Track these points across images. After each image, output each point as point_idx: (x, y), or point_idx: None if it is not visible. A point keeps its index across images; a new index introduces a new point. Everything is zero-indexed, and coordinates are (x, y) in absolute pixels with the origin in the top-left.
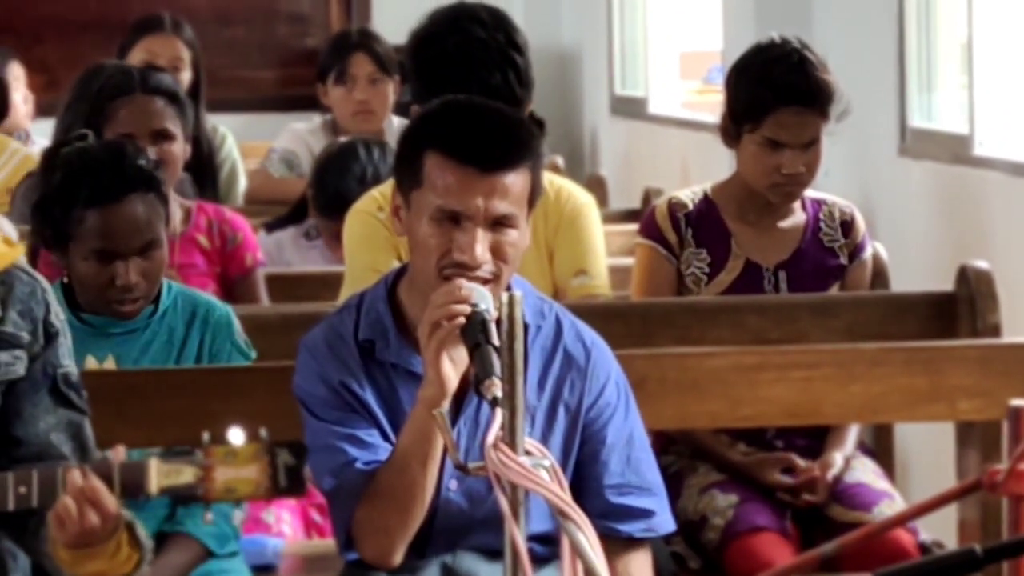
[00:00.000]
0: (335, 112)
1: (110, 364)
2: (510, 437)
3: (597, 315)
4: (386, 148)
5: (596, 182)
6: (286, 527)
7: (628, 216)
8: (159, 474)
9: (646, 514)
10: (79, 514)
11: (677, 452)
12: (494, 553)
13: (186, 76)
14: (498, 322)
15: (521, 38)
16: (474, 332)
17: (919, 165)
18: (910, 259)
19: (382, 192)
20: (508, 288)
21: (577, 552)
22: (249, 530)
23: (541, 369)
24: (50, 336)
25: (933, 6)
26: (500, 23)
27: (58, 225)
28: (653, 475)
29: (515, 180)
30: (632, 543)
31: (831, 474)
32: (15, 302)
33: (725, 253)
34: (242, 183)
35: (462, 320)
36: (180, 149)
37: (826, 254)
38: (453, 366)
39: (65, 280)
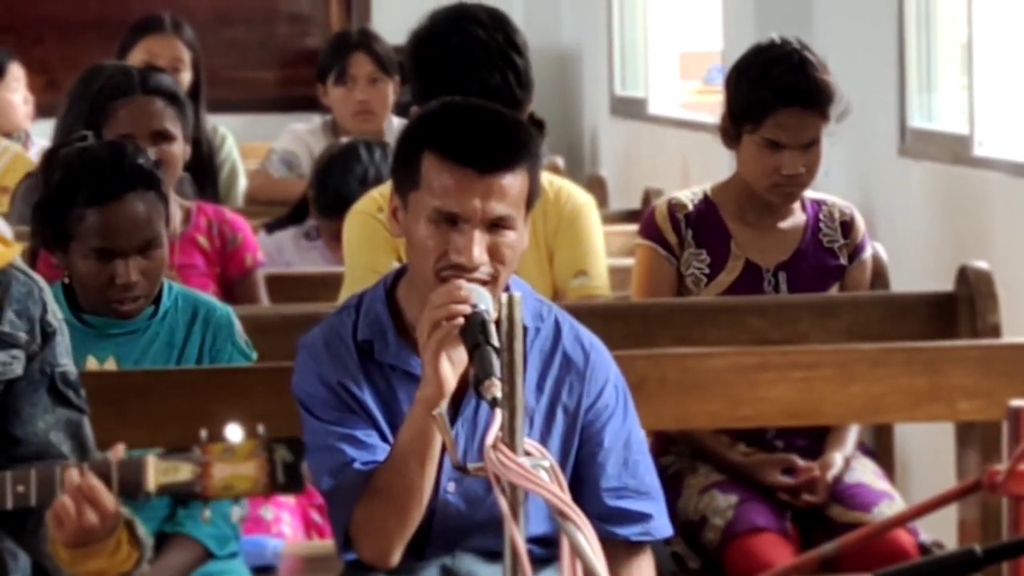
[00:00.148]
0: (335, 112)
1: (111, 365)
2: (509, 438)
3: (597, 316)
4: (387, 149)
5: (596, 182)
6: (286, 528)
7: (628, 216)
8: (157, 471)
9: (643, 518)
10: (77, 513)
11: (677, 452)
12: (493, 555)
13: (186, 76)
14: (497, 323)
15: (521, 39)
16: (474, 332)
17: (919, 165)
18: (910, 259)
19: (382, 193)
20: (507, 289)
21: (577, 553)
22: (249, 530)
23: (540, 371)
24: (47, 335)
25: (933, 6)
26: (500, 24)
27: (58, 225)
28: (651, 479)
29: (513, 181)
30: (631, 547)
31: (831, 474)
32: (12, 301)
33: (725, 254)
34: (242, 184)
35: (462, 320)
36: (180, 150)
37: (826, 254)
38: (452, 366)
39: (66, 281)
